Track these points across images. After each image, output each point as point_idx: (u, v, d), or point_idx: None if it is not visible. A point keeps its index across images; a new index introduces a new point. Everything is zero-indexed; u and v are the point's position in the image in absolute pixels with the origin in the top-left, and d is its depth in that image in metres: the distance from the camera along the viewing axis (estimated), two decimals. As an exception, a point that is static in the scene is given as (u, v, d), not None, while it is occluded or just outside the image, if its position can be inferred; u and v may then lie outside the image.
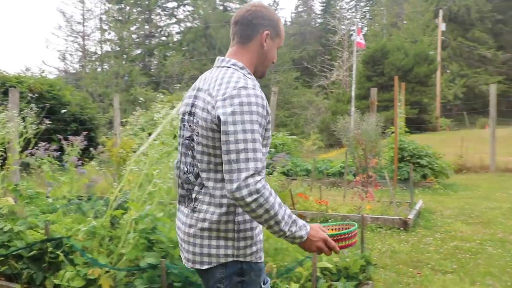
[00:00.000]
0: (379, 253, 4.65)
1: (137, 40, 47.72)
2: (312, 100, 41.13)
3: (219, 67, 1.74)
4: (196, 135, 1.66)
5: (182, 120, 1.78)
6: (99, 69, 47.15)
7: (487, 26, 54.31)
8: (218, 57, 1.80)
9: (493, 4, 54.62)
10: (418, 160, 8.76)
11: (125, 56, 45.91)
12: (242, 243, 1.65)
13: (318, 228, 1.66)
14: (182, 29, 48.65)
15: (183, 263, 1.77)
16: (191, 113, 1.71)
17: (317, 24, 64.12)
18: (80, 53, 47.18)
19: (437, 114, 37.52)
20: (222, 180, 1.60)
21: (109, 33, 46.78)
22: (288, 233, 1.55)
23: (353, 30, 29.61)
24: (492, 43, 52.80)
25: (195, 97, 1.72)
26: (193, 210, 1.67)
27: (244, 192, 1.47)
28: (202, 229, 1.65)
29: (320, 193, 6.42)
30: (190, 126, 1.71)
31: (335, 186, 8.99)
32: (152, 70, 48.16)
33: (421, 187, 8.60)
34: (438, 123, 36.73)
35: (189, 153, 1.70)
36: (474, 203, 7.15)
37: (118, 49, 46.15)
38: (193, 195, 1.68)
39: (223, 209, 1.62)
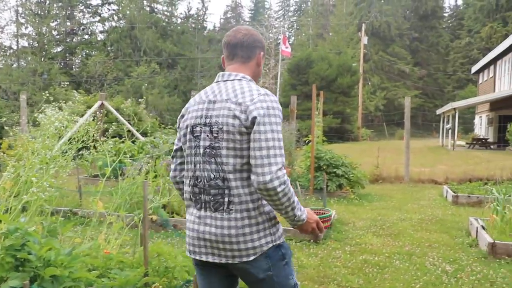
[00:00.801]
0: (285, 269, 4.39)
1: (58, 37, 45.22)
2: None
3: (227, 80, 1.94)
4: (220, 141, 1.82)
5: (193, 132, 1.91)
6: (15, 65, 44.20)
7: (406, 43, 57.46)
8: (221, 73, 2.00)
9: (410, 23, 57.92)
10: (335, 170, 8.70)
11: (44, 53, 43.28)
12: (274, 229, 1.91)
13: (311, 212, 1.95)
14: (106, 28, 46.75)
15: (223, 262, 1.89)
16: (206, 124, 1.87)
17: (246, 31, 64.34)
18: (-8, 46, 43.89)
19: (359, 124, 38.87)
20: (248, 178, 1.82)
21: (26, 28, 43.94)
22: (296, 217, 1.85)
23: (280, 38, 29.85)
24: (410, 59, 55.90)
25: (208, 109, 1.88)
26: (228, 212, 1.84)
27: (276, 183, 1.71)
28: (243, 227, 1.83)
29: None
30: (208, 136, 1.86)
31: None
32: (74, 70, 45.79)
33: (337, 197, 8.54)
34: (359, 133, 38.03)
35: (213, 160, 1.85)
36: (387, 214, 7.16)
37: (37, 45, 43.49)
38: (225, 199, 1.84)
39: (255, 204, 1.84)
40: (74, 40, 45.92)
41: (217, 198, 1.85)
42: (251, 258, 1.85)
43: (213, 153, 1.84)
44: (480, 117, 32.41)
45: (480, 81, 35.47)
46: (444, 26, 64.10)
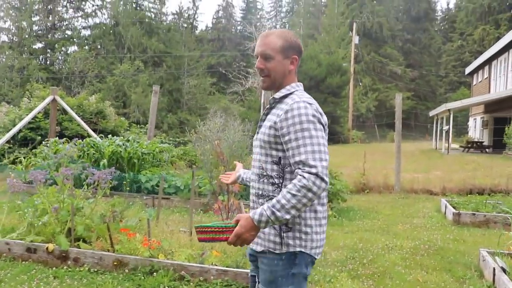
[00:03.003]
0: None
1: (39, 32, 43.44)
2: (227, 107, 39.72)
3: None
4: None
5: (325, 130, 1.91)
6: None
7: (398, 44, 56.29)
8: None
9: (403, 24, 56.74)
10: (310, 179, 7.12)
11: (24, 48, 41.50)
12: None
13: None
14: (89, 24, 44.98)
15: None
16: None
17: (237, 31, 63.21)
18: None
19: (349, 126, 37.50)
20: None
21: (5, 22, 42.27)
22: None
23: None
24: (402, 61, 54.66)
25: None
26: None
27: None
28: None
29: (149, 227, 4.36)
30: None
31: (209, 209, 7.09)
32: (55, 66, 43.96)
33: (312, 212, 6.95)
34: (350, 135, 36.66)
35: None
36: (371, 239, 5.56)
37: (16, 40, 41.78)
38: None
39: None
40: (55, 36, 44.07)
41: None
42: None
43: None
44: (475, 119, 31.05)
45: (474, 82, 34.14)
46: (437, 29, 63.03)
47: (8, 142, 12.54)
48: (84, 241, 4.53)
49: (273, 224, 1.72)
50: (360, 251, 4.99)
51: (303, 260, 1.83)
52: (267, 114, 1.96)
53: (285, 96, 1.92)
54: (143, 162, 8.37)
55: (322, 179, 1.69)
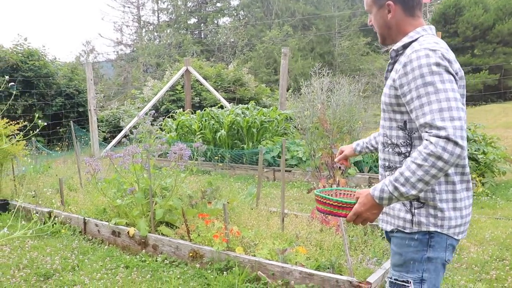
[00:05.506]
0: None
1: (192, 7, 46.13)
2: (383, 67, 37.68)
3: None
4: None
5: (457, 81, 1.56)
6: (157, 40, 46.50)
7: None
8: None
9: None
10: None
11: (180, 25, 44.56)
12: None
13: None
14: (237, -6, 46.13)
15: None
16: None
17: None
18: (137, 24, 46.82)
19: (526, 80, 32.50)
20: None
21: (164, 2, 45.72)
22: None
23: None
24: None
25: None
26: None
27: None
28: None
29: (225, 214, 3.50)
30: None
31: (313, 189, 6.17)
32: (207, 39, 46.33)
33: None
34: (525, 91, 31.85)
35: None
36: (533, 228, 4.14)
37: (173, 18, 45.12)
38: None
39: None
40: (207, 9, 46.16)
41: None
42: None
43: None
44: None
45: None
46: None
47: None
48: (169, 225, 4.07)
49: (398, 201, 1.50)
50: (515, 248, 3.67)
51: (440, 242, 1.57)
52: (390, 71, 1.68)
53: (408, 45, 1.60)
54: (264, 131, 7.76)
55: (456, 143, 1.40)
